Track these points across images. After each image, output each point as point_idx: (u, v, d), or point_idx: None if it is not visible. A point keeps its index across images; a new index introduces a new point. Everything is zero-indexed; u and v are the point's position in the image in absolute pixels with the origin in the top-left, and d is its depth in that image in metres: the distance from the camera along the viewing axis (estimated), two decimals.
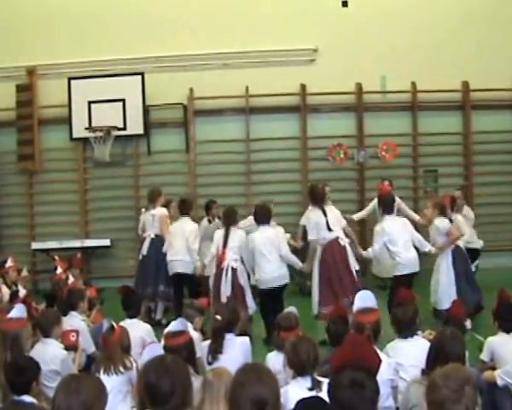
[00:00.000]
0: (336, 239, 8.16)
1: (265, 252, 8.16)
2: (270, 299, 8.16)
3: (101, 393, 3.06)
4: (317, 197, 8.40)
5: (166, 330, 4.92)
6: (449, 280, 8.46)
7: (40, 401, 4.30)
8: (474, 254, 9.98)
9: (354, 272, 8.17)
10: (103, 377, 4.58)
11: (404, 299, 5.55)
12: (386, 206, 8.65)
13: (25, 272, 9.26)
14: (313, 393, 3.94)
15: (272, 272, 8.18)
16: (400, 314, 5.21)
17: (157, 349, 4.26)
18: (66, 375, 3.90)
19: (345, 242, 8.23)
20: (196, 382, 4.83)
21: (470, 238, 9.98)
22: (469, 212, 10.92)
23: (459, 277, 8.48)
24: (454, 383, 2.82)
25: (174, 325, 4.87)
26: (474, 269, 9.62)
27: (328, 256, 8.10)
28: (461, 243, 8.86)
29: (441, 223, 8.65)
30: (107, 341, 4.97)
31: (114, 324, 5.22)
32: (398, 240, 8.19)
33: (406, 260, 8.12)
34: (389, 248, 8.22)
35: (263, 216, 8.42)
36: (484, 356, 5.37)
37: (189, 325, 5.52)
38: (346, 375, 2.93)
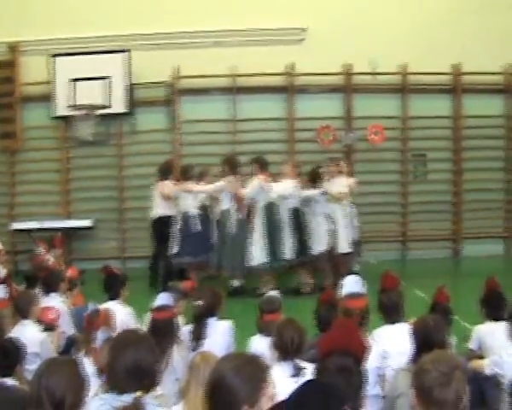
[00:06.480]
0: None
1: None
2: None
3: (82, 376, 2.97)
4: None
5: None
6: None
7: (21, 383, 4.19)
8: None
9: None
10: (85, 359, 4.47)
11: (388, 284, 5.45)
12: None
13: None
14: (295, 380, 3.83)
15: None
16: (385, 299, 5.14)
17: None
18: (46, 358, 3.81)
19: None
20: (183, 352, 4.80)
21: None
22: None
23: None
24: (444, 367, 2.72)
25: (160, 300, 4.90)
26: None
27: None
28: None
29: None
30: (91, 323, 4.84)
31: (99, 306, 5.10)
32: None
33: None
34: None
35: None
36: (471, 345, 5.33)
37: None
38: (334, 360, 2.90)
